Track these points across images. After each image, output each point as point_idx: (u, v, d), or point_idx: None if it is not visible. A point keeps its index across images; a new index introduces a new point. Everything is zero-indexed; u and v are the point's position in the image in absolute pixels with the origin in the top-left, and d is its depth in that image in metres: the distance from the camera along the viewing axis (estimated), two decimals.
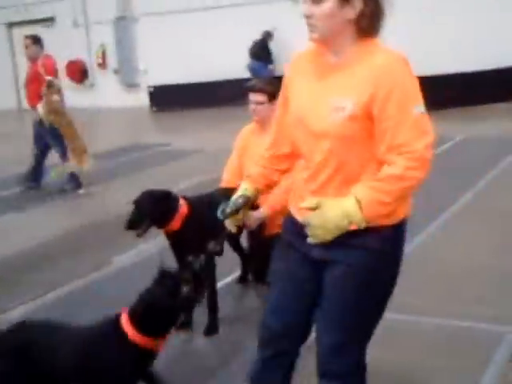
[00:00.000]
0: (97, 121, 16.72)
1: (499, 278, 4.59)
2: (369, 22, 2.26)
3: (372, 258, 2.31)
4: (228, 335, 4.00)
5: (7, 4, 18.43)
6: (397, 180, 2.15)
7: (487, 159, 8.20)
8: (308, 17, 2.26)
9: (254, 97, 4.34)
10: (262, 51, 15.05)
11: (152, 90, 16.57)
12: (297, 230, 2.38)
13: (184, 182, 7.83)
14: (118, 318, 2.79)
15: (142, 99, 16.83)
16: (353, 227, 2.18)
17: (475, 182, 7.10)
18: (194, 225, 3.92)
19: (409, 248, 3.24)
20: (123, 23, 17.59)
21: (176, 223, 3.92)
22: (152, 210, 3.86)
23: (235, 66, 15.13)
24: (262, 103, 4.31)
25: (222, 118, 14.10)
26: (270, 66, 15.01)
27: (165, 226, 3.95)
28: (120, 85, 18.08)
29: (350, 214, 2.15)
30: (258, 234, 4.31)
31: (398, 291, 2.44)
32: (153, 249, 5.57)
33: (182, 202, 3.97)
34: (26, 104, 19.05)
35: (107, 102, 17.59)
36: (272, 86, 4.27)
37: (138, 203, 3.89)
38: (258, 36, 15.15)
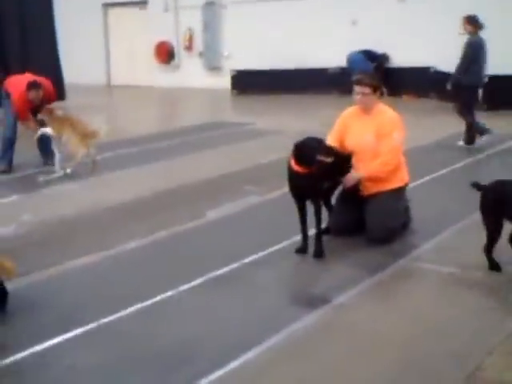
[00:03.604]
0: (182, 99, 17.81)
1: None
2: None
3: None
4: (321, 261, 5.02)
5: None
6: None
7: None
8: None
9: (360, 89, 5.38)
10: (375, 67, 14.77)
11: (234, 73, 17.50)
12: None
13: (266, 157, 8.72)
14: None
15: (225, 82, 17.76)
16: None
17: None
18: (320, 172, 4.98)
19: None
20: (211, 9, 18.54)
21: (313, 168, 4.92)
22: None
23: (317, 55, 15.90)
24: (367, 94, 5.29)
25: (300, 103, 14.93)
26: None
27: (308, 165, 4.92)
28: (204, 67, 19.06)
29: None
30: (351, 191, 5.38)
31: None
32: (238, 208, 6.54)
33: None
34: (114, 80, 20.50)
35: (191, 82, 18.60)
36: (375, 80, 5.48)
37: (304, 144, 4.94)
38: (341, 26, 15.75)
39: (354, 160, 5.36)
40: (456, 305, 4.24)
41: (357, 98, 5.41)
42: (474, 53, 9.09)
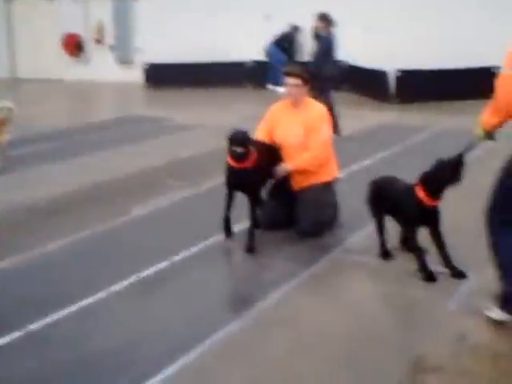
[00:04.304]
0: (94, 93, 17.33)
1: (474, 237, 5.27)
2: None
3: None
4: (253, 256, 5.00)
5: None
6: None
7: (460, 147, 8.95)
8: None
9: (290, 80, 5.28)
10: (288, 45, 15.58)
11: (147, 67, 17.20)
12: None
13: (186, 151, 8.61)
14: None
15: (137, 76, 17.42)
16: None
17: None
18: (258, 166, 4.98)
19: None
20: (122, 1, 18.12)
21: (249, 163, 4.91)
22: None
23: (231, 48, 15.88)
24: (298, 86, 5.23)
25: (216, 97, 14.87)
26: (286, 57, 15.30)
27: (241, 162, 4.90)
28: (115, 61, 18.62)
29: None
30: (281, 184, 5.40)
31: None
32: (163, 203, 6.43)
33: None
34: (21, 73, 19.67)
35: (102, 76, 18.12)
36: (306, 73, 5.36)
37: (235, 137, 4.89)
38: (255, 20, 15.84)
39: (282, 153, 5.36)
40: (389, 295, 4.33)
41: (287, 90, 5.39)
42: (330, 47, 9.92)
